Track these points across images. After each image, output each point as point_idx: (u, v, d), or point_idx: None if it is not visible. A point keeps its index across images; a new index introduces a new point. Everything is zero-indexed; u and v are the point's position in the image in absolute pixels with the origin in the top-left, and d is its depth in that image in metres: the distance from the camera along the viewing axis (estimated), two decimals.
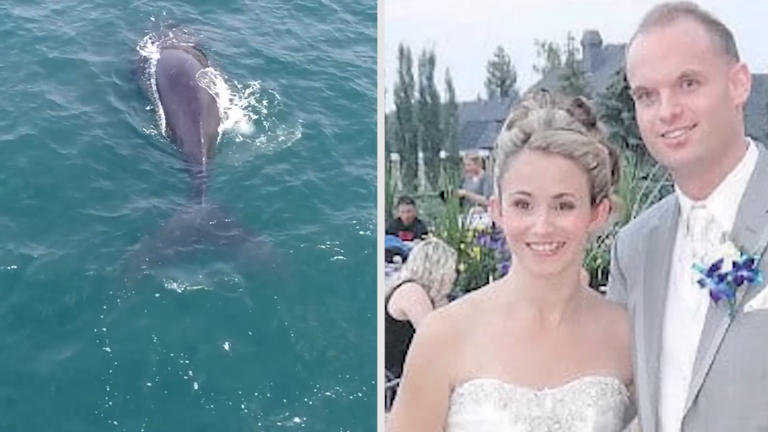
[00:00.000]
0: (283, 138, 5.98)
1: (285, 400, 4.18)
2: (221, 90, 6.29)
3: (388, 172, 11.84)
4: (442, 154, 27.93)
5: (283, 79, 6.73)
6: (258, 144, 5.95)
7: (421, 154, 28.43)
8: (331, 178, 5.74)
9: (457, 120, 29.56)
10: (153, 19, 7.20)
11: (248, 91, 6.38)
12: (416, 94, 28.93)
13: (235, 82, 6.46)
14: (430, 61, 28.98)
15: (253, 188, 5.58)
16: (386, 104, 28.47)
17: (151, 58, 6.58)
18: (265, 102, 6.30)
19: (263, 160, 5.80)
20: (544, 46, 33.83)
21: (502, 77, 34.38)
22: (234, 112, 6.18)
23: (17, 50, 6.59)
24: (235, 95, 6.35)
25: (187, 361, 4.24)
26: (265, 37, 7.34)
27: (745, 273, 1.58)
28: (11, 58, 6.51)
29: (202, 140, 5.73)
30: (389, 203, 9.52)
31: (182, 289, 4.65)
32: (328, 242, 5.07)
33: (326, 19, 7.75)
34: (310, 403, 4.17)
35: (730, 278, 1.59)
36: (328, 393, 4.21)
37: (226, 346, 4.40)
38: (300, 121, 6.18)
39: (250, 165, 5.76)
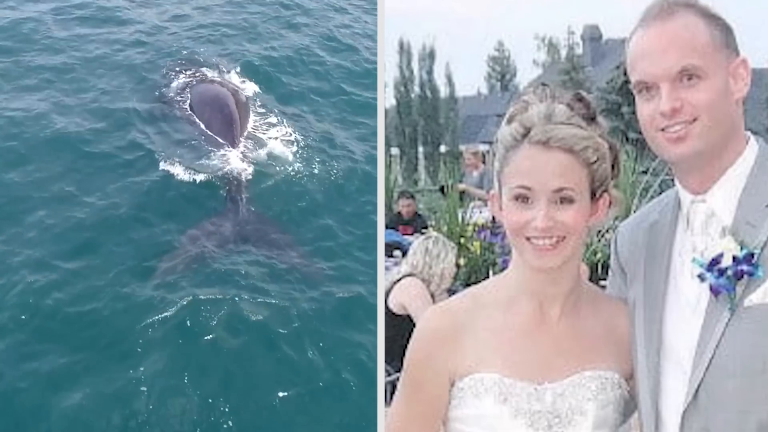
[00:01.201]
0: (317, 171, 6.22)
1: None
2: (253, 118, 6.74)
3: (388, 166, 11.82)
4: (442, 149, 27.88)
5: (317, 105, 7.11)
6: (290, 170, 6.18)
7: (421, 149, 28.38)
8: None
9: (457, 114, 29.50)
10: (185, 53, 7.58)
11: (284, 119, 6.75)
12: (416, 89, 28.88)
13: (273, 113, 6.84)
14: (430, 56, 28.92)
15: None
16: (386, 98, 28.46)
17: (186, 89, 6.92)
18: (299, 134, 6.58)
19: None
20: (544, 41, 33.83)
21: (502, 71, 34.35)
22: (269, 137, 6.53)
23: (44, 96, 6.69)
24: (269, 122, 6.71)
25: (226, 409, 4.22)
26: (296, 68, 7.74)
27: (745, 267, 1.58)
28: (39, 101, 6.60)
29: (236, 139, 6.23)
30: (389, 197, 9.51)
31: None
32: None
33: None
34: None
35: (730, 272, 1.59)
36: None
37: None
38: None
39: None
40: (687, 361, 1.65)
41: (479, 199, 8.28)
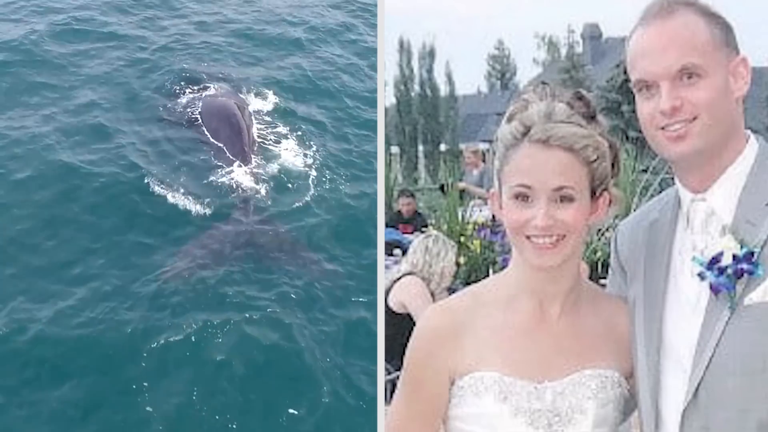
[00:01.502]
0: (327, 187, 6.23)
1: None
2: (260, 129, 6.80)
3: (388, 165, 11.84)
4: (442, 147, 27.88)
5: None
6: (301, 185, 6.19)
7: (421, 147, 28.38)
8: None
9: (457, 113, 29.49)
10: (186, 65, 7.60)
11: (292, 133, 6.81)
12: (416, 87, 28.86)
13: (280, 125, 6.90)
14: (430, 54, 28.91)
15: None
16: (386, 97, 28.45)
17: (197, 101, 6.94)
18: (308, 149, 6.61)
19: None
20: (544, 39, 33.87)
21: (502, 70, 34.34)
22: (282, 149, 6.59)
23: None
24: (278, 134, 6.78)
25: (234, 426, 4.20)
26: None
27: (745, 266, 1.58)
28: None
29: (246, 149, 6.26)
30: (389, 196, 9.52)
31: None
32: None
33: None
34: None
35: (730, 271, 1.59)
36: None
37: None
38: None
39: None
40: (687, 359, 1.65)
41: (479, 197, 8.30)
